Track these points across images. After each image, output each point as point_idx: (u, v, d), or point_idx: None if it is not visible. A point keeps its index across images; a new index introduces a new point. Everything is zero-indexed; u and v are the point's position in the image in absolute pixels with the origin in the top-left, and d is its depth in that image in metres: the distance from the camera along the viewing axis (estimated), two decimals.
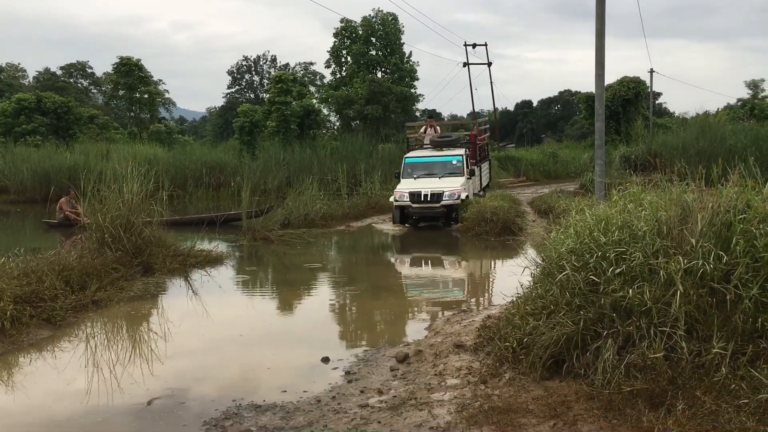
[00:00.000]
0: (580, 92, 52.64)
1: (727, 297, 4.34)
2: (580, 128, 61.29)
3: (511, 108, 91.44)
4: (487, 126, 26.96)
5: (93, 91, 64.06)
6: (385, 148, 30.06)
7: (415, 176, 17.08)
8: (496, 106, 51.26)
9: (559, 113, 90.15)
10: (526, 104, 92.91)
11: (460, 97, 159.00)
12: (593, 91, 14.07)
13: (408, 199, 16.07)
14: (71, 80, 62.36)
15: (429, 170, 17.32)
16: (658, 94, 63.07)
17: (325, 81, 48.15)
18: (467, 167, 17.43)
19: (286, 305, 8.78)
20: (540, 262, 5.83)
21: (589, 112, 41.08)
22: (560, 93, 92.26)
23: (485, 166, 21.68)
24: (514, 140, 78.87)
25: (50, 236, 15.35)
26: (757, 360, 4.10)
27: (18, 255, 8.56)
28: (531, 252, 6.31)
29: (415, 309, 8.42)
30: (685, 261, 4.52)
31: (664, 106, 71.24)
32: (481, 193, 19.90)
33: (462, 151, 17.77)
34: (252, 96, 70.23)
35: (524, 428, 3.98)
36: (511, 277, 8.80)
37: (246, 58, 74.34)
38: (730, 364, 4.10)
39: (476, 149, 19.48)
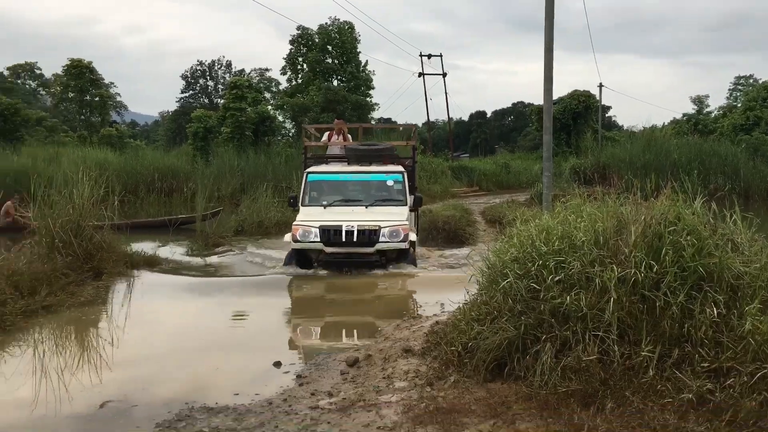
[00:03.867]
0: (532, 104, 53.93)
1: (657, 304, 4.65)
2: (532, 140, 62.56)
3: (466, 118, 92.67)
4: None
5: (41, 93, 62.68)
6: None
7: (325, 203, 11.51)
8: (450, 116, 51.96)
9: (512, 124, 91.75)
10: (480, 115, 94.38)
11: (415, 106, 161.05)
12: None
13: (317, 238, 10.68)
14: (18, 81, 60.89)
15: (348, 194, 11.97)
16: (608, 108, 64.70)
17: (281, 88, 48.16)
18: (408, 193, 11.88)
19: (238, 311, 8.86)
20: (485, 270, 6.07)
21: (540, 124, 41.97)
22: (513, 104, 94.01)
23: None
24: (467, 150, 79.90)
25: None
26: (682, 363, 4.41)
27: None
28: (478, 260, 6.54)
29: (367, 316, 8.59)
30: (619, 270, 4.82)
31: (613, 119, 73.15)
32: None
33: (401, 168, 12.13)
34: (206, 101, 69.60)
35: (466, 427, 4.19)
36: (459, 284, 9.10)
37: (200, 63, 73.68)
38: (658, 367, 4.39)
39: (414, 170, 12.96)
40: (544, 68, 13.81)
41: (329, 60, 44.71)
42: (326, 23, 45.28)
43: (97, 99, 45.58)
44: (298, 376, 5.68)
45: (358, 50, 45.66)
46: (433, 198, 28.03)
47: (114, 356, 6.49)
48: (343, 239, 10.57)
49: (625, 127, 60.87)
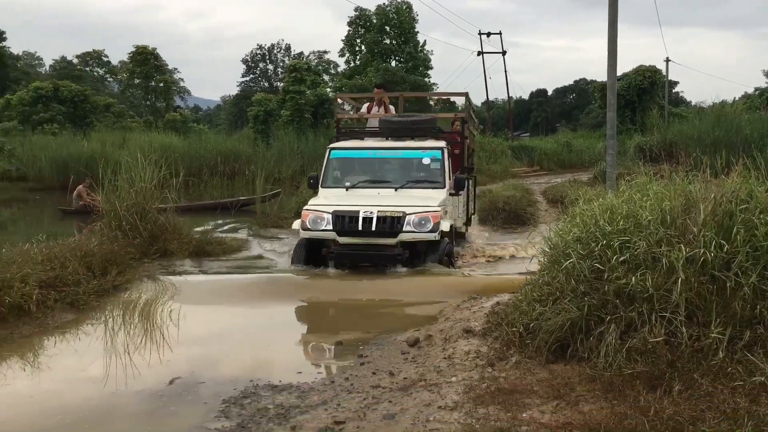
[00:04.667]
0: (595, 81, 52.54)
1: (727, 284, 4.50)
2: (595, 117, 61.16)
3: (526, 97, 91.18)
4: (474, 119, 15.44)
5: (109, 79, 64.60)
6: None
7: (348, 184, 10.02)
8: (510, 95, 51.17)
9: (574, 102, 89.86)
10: (540, 93, 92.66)
11: (474, 85, 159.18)
12: None
13: (329, 226, 8.98)
14: (87, 69, 62.88)
15: (376, 174, 10.32)
16: (675, 83, 62.68)
17: (339, 70, 48.30)
18: (450, 173, 10.22)
19: (302, 291, 8.95)
20: (547, 250, 5.98)
21: (604, 102, 40.92)
22: (575, 82, 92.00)
23: (471, 185, 12.90)
24: (528, 129, 78.72)
25: (67, 223, 15.66)
26: (754, 345, 4.26)
27: (40, 241, 8.81)
28: (540, 241, 6.46)
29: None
30: (688, 250, 4.67)
31: (680, 95, 70.94)
32: (465, 229, 12.38)
33: (442, 144, 10.29)
34: (266, 85, 70.55)
35: (528, 408, 4.16)
36: (520, 265, 9.01)
37: (260, 47, 74.67)
38: (728, 349, 4.26)
39: (464, 147, 11.44)
40: (608, 43, 13.41)
41: (387, 41, 44.59)
42: (384, 4, 45.15)
43: (161, 85, 46.71)
44: (360, 356, 5.73)
45: (415, 30, 45.41)
46: (493, 178, 27.75)
47: (182, 335, 6.68)
48: (360, 227, 8.78)
49: (693, 103, 58.95)
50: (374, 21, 44.62)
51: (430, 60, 46.36)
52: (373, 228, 8.77)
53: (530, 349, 5.13)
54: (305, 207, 9.36)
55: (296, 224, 9.36)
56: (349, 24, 45.66)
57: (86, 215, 15.23)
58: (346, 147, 10.57)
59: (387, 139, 10.62)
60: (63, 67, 61.74)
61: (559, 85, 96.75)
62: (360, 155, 10.49)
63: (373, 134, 10.93)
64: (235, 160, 26.63)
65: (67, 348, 6.33)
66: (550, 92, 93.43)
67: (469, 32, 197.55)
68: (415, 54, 44.81)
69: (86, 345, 6.42)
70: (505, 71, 55.79)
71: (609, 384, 4.31)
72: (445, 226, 9.00)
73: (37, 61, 72.16)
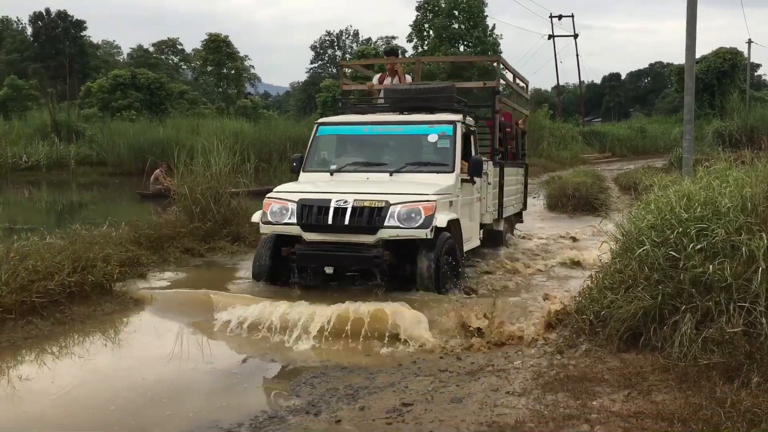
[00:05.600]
0: (672, 64, 50.90)
1: None
2: (671, 102, 59.25)
3: (598, 81, 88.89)
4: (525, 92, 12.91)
5: (183, 67, 66.36)
6: None
7: (334, 168, 8.19)
8: (581, 79, 50.02)
9: (649, 86, 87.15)
10: (613, 77, 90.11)
11: (544, 70, 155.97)
12: None
13: (293, 219, 7.04)
14: (162, 57, 64.74)
15: (371, 155, 8.34)
16: (757, 66, 60.00)
17: (407, 55, 48.17)
18: (473, 149, 8.41)
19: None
20: (620, 237, 5.86)
21: (680, 85, 39.54)
22: (651, 65, 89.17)
23: (516, 173, 10.93)
24: (599, 114, 76.86)
25: (144, 207, 16.22)
26: None
27: (119, 224, 9.24)
28: (611, 227, 6.33)
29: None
30: None
31: (763, 78, 67.77)
32: (506, 232, 10.38)
33: (455, 117, 8.13)
34: (334, 71, 71.00)
35: (598, 396, 4.11)
36: (590, 252, 8.86)
37: (329, 33, 75.28)
38: None
39: (495, 123, 9.35)
40: (687, 24, 12.95)
41: (455, 25, 44.14)
42: None
43: (233, 72, 47.63)
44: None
45: (485, 14, 44.79)
46: (563, 164, 27.31)
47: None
48: (329, 221, 6.80)
49: None
50: (443, 5, 44.23)
51: (499, 45, 45.64)
52: (346, 221, 6.74)
53: (601, 338, 5.05)
54: (268, 194, 7.42)
55: (256, 216, 7.43)
56: (418, 9, 45.42)
57: (163, 199, 15.77)
58: (336, 122, 8.77)
59: (394, 113, 8.54)
60: (140, 55, 63.84)
61: (633, 69, 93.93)
62: (352, 132, 8.61)
63: (383, 110, 8.84)
64: (304, 145, 26.85)
65: (147, 325, 6.57)
66: (623, 76, 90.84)
67: (539, 15, 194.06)
68: (483, 38, 44.23)
69: (162, 323, 6.64)
70: (577, 55, 54.41)
71: (683, 374, 4.21)
72: (441, 220, 6.80)
73: (115, 50, 74.78)
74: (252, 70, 57.50)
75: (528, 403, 4.11)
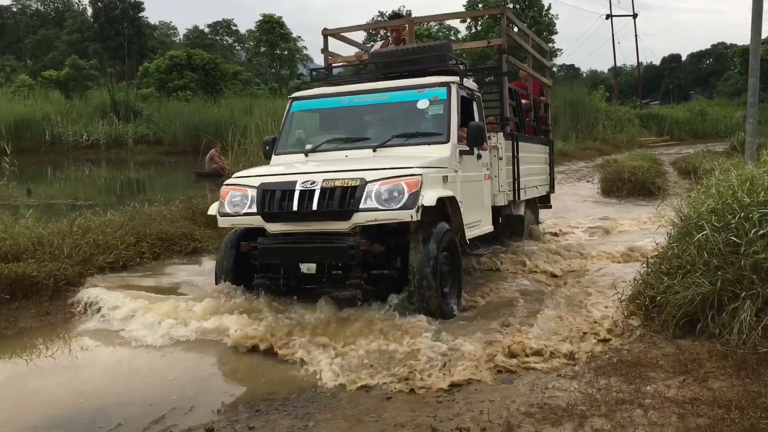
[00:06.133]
0: (736, 45, 49.12)
1: None
2: (734, 84, 57.27)
3: (657, 62, 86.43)
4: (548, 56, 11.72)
5: (237, 48, 67.13)
6: None
7: (309, 147, 7.04)
8: (640, 60, 48.80)
9: (710, 68, 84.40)
10: (673, 58, 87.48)
11: (601, 51, 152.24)
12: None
13: (253, 207, 5.87)
14: (217, 38, 65.61)
15: (351, 130, 7.16)
16: None
17: (460, 36, 47.69)
18: (476, 118, 7.14)
19: None
20: (678, 222, 5.73)
21: (744, 67, 38.33)
22: (713, 46, 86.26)
23: (538, 151, 9.59)
24: (658, 97, 74.91)
25: (200, 185, 16.56)
26: None
27: (174, 202, 9.55)
28: (669, 212, 6.18)
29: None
30: None
31: None
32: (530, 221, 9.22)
33: (449, 79, 6.80)
34: None
35: (653, 381, 4.05)
36: (645, 236, 8.66)
37: (381, 14, 74.70)
38: None
39: (503, 88, 7.98)
40: (753, 3, 12.46)
41: (510, 5, 43.48)
42: None
43: (285, 53, 48.03)
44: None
45: None
46: (618, 148, 26.74)
47: None
48: (295, 207, 5.61)
49: None
50: None
51: (554, 25, 44.89)
52: (314, 206, 5.56)
53: (655, 323, 4.96)
54: (227, 181, 6.30)
55: (213, 208, 6.28)
56: None
57: (218, 177, 16.08)
58: (311, 96, 7.46)
59: (381, 81, 7.30)
60: (195, 36, 64.83)
61: (695, 50, 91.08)
62: (330, 105, 7.28)
63: (369, 79, 7.56)
64: None
65: None
66: (684, 57, 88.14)
67: None
68: (539, 18, 43.50)
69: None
70: (636, 35, 53.25)
71: (742, 362, 4.11)
72: (429, 198, 5.53)
73: (171, 31, 76.11)
74: (305, 51, 57.84)
75: (580, 387, 4.07)
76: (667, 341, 4.72)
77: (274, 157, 7.12)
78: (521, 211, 8.53)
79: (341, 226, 5.59)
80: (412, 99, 6.78)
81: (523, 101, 8.90)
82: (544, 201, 10.08)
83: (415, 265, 5.53)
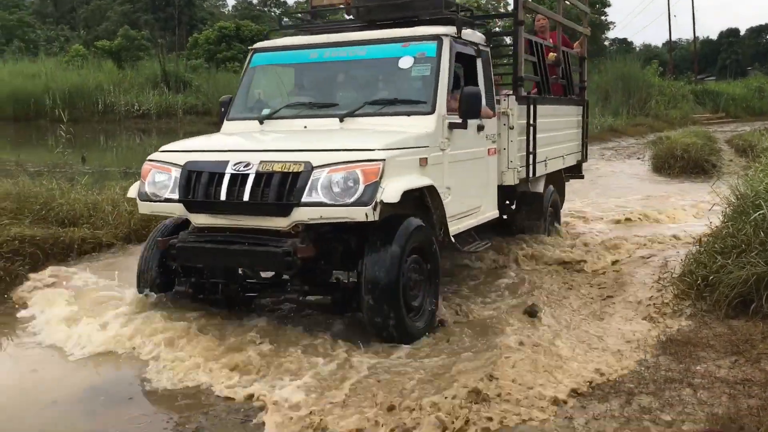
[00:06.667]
0: None
1: None
2: None
3: (714, 37, 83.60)
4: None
5: (285, 20, 67.16)
6: None
7: (266, 111, 5.76)
8: (696, 34, 47.26)
9: None
10: (732, 32, 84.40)
11: (656, 24, 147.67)
12: None
13: (176, 192, 4.65)
14: (266, 9, 65.78)
15: (319, 92, 5.86)
16: None
17: (509, 9, 46.95)
18: (481, 80, 5.79)
19: None
20: (733, 200, 5.60)
21: None
22: None
23: (567, 113, 8.08)
24: (714, 72, 72.61)
25: None
26: None
27: None
28: (724, 190, 6.03)
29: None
30: None
31: None
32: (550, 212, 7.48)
33: (441, 31, 5.35)
34: None
35: (703, 361, 3.99)
36: (698, 215, 8.47)
37: None
38: None
39: (518, 41, 6.49)
40: None
41: None
42: None
43: None
44: (533, 304, 5.64)
45: None
46: (672, 124, 26.05)
47: None
48: (223, 195, 4.48)
49: None
50: None
51: None
52: (246, 195, 4.42)
53: (707, 303, 4.89)
54: (149, 157, 5.03)
55: (133, 189, 5.08)
56: None
57: None
58: (276, 47, 6.15)
59: (362, 31, 5.96)
60: (244, 7, 65.17)
61: (755, 24, 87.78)
62: (297, 60, 5.98)
63: (350, 28, 6.24)
64: None
65: None
66: (742, 32, 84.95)
67: None
68: None
69: None
70: (693, 8, 51.61)
71: None
72: (391, 192, 4.28)
73: (221, 2, 76.52)
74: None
75: (628, 364, 4.04)
76: (719, 321, 4.64)
77: (225, 124, 5.89)
78: (540, 188, 7.10)
79: (279, 223, 4.43)
80: (393, 55, 5.43)
81: (551, 55, 7.51)
82: (575, 171, 8.62)
83: (367, 274, 4.35)
